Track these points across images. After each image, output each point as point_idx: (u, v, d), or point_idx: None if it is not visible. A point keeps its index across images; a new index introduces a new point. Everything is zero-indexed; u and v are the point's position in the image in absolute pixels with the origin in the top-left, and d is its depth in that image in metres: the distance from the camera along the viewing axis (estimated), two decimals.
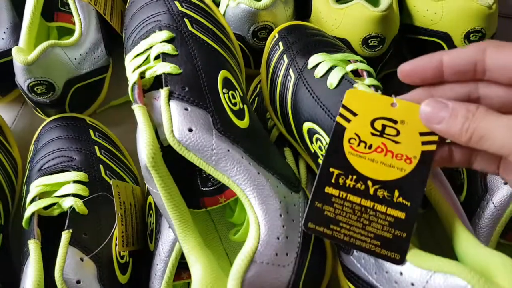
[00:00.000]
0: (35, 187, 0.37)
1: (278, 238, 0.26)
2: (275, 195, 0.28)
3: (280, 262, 0.26)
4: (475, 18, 0.44)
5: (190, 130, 0.28)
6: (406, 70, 0.27)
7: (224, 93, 0.32)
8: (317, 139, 0.33)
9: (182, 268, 0.35)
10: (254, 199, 0.27)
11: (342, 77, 0.33)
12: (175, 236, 0.30)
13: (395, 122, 0.26)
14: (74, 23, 0.47)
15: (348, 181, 0.25)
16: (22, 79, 0.41)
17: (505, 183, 0.37)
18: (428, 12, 0.46)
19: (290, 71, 0.37)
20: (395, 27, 0.45)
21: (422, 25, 0.47)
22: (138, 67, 0.33)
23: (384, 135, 0.26)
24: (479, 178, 0.40)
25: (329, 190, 0.25)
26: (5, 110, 0.49)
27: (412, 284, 0.24)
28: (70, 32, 0.50)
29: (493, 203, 0.37)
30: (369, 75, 0.34)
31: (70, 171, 0.38)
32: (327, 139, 0.32)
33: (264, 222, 0.26)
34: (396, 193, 0.25)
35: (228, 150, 0.28)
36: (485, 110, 0.23)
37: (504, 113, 0.23)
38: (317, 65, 0.35)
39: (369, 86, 0.32)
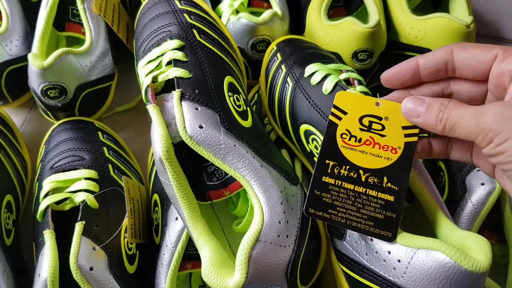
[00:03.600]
0: (48, 183, 0.39)
1: (279, 222, 0.29)
2: (276, 185, 0.31)
3: (281, 243, 0.28)
4: (455, 36, 0.49)
5: (201, 127, 0.31)
6: (387, 76, 0.31)
7: (229, 96, 0.35)
8: (313, 139, 0.36)
9: (186, 259, 0.38)
10: (258, 189, 0.30)
11: (336, 84, 0.36)
12: (184, 224, 0.32)
13: (380, 118, 0.30)
14: (83, 33, 0.50)
15: (342, 171, 0.29)
16: (36, 83, 0.44)
17: (482, 184, 0.41)
18: (412, 30, 0.51)
19: (288, 79, 0.40)
20: (383, 42, 0.49)
21: (407, 42, 0.52)
22: (151, 72, 0.36)
23: (372, 130, 0.29)
24: (458, 180, 0.43)
25: (326, 179, 0.29)
26: (15, 114, 0.52)
27: (399, 261, 0.27)
28: (78, 42, 0.53)
29: (471, 202, 0.41)
30: (360, 83, 0.38)
31: (81, 169, 0.41)
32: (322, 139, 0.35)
33: (267, 209, 0.29)
34: (385, 179, 0.28)
35: (235, 145, 0.32)
36: (456, 103, 0.27)
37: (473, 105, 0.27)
38: (313, 73, 0.39)
39: (360, 92, 0.36)
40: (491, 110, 0.25)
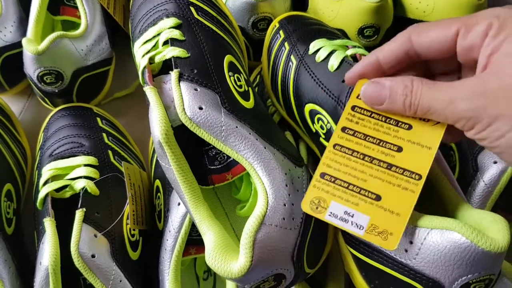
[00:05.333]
0: (47, 171, 0.39)
1: (285, 205, 0.28)
2: (280, 167, 0.30)
3: (287, 226, 0.27)
4: (465, 9, 0.46)
5: (200, 108, 0.30)
6: (350, 77, 0.30)
7: (230, 76, 0.34)
8: (319, 119, 0.35)
9: (190, 245, 0.37)
10: (261, 171, 0.29)
11: (343, 60, 0.35)
12: (187, 208, 0.31)
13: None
14: (79, 17, 0.48)
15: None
16: (32, 69, 0.42)
17: (495, 162, 0.40)
18: (420, 4, 0.49)
19: (292, 57, 0.39)
20: (389, 17, 0.47)
21: (415, 17, 0.50)
22: (148, 52, 0.35)
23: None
24: (470, 159, 0.42)
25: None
26: (13, 102, 0.51)
27: (411, 242, 0.25)
28: (74, 26, 0.52)
29: (483, 181, 0.39)
30: None
31: (80, 155, 0.40)
32: (329, 119, 0.34)
33: (272, 191, 0.28)
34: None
35: (236, 127, 0.30)
36: (421, 84, 0.25)
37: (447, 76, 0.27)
38: (317, 50, 0.37)
39: None
40: (465, 95, 0.23)
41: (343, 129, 0.29)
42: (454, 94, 0.24)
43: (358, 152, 0.28)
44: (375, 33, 0.46)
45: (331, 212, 0.27)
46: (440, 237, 0.24)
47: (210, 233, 0.28)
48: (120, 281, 0.35)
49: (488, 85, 0.23)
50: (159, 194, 0.40)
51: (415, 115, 0.26)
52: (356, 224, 0.26)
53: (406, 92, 0.26)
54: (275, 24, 0.43)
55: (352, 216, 0.26)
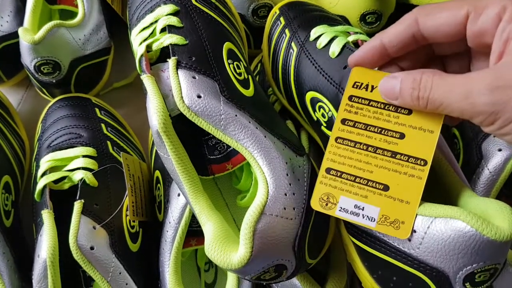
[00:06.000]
0: (45, 162, 0.38)
1: (285, 195, 0.27)
2: (281, 156, 0.29)
3: (288, 215, 0.27)
4: None
5: (199, 96, 0.29)
6: (353, 61, 0.29)
7: (229, 64, 0.33)
8: (320, 106, 0.34)
9: (190, 236, 0.37)
10: (261, 160, 0.28)
11: (344, 46, 0.34)
12: (186, 199, 0.31)
13: None
14: (76, 6, 0.47)
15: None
16: (28, 59, 0.42)
17: (499, 150, 0.39)
18: None
19: (292, 44, 0.38)
20: (392, 3, 0.46)
21: (418, 3, 0.48)
22: (145, 40, 0.34)
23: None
24: (474, 147, 0.41)
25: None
26: (11, 93, 0.50)
27: (414, 231, 0.25)
28: (72, 15, 0.51)
29: (488, 169, 0.39)
30: None
31: (78, 146, 0.39)
32: (330, 106, 0.33)
33: (272, 181, 0.28)
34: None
35: (236, 115, 0.30)
36: (431, 77, 0.24)
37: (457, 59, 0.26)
38: (318, 36, 0.36)
39: None
40: (483, 88, 0.22)
41: (343, 121, 0.28)
42: (470, 87, 0.22)
43: (360, 143, 0.27)
44: (377, 19, 0.45)
45: (341, 207, 0.26)
46: (444, 226, 0.24)
47: (209, 224, 0.28)
48: (120, 273, 0.35)
49: (507, 76, 0.22)
50: (159, 185, 0.40)
51: (426, 109, 0.25)
52: (368, 216, 0.26)
53: (414, 85, 0.25)
54: (275, 11, 0.42)
55: (363, 209, 0.26)
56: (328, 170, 0.27)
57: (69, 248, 0.33)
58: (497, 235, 0.23)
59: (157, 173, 0.41)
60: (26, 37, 0.41)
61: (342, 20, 0.44)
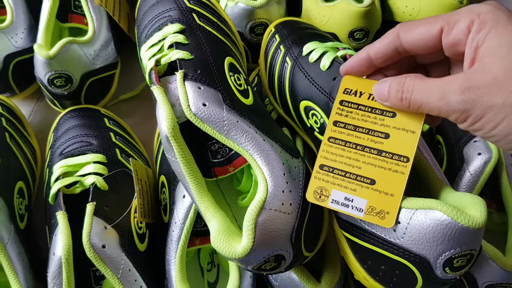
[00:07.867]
0: (58, 168, 0.41)
1: (283, 192, 0.30)
2: (278, 158, 0.32)
3: (285, 210, 0.30)
4: (449, 11, 0.49)
5: (204, 104, 0.33)
6: (344, 70, 0.32)
7: (230, 76, 0.36)
8: (313, 114, 0.37)
9: (195, 236, 0.39)
10: (261, 162, 0.31)
11: (333, 60, 0.37)
12: (192, 199, 0.34)
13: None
14: (86, 24, 0.51)
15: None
16: (43, 73, 0.45)
17: (479, 154, 0.42)
18: (407, 8, 0.51)
19: (287, 58, 0.42)
20: (378, 21, 0.50)
21: (402, 20, 0.53)
22: (154, 55, 0.38)
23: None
24: (456, 152, 0.45)
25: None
26: (22, 105, 0.53)
27: (399, 222, 0.28)
28: (81, 32, 0.54)
29: (469, 171, 0.42)
30: None
31: (89, 153, 0.42)
32: (322, 114, 0.36)
33: (271, 179, 0.31)
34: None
35: (237, 121, 0.33)
36: (413, 80, 0.27)
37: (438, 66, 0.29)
38: (310, 51, 0.40)
39: None
40: (456, 89, 0.25)
41: (335, 123, 0.32)
42: (446, 88, 0.25)
43: (350, 142, 0.31)
44: (364, 36, 0.49)
45: (333, 199, 0.30)
46: (424, 216, 0.27)
47: (214, 220, 0.31)
48: (129, 270, 0.37)
49: (477, 79, 0.25)
50: (164, 189, 0.42)
51: (409, 109, 0.28)
52: (356, 207, 0.29)
53: (399, 88, 0.28)
54: (271, 28, 0.46)
55: (352, 201, 0.29)
56: (321, 167, 0.31)
57: (80, 248, 0.35)
58: (470, 223, 0.26)
59: (162, 178, 0.43)
60: (41, 53, 0.44)
61: (332, 36, 0.48)
